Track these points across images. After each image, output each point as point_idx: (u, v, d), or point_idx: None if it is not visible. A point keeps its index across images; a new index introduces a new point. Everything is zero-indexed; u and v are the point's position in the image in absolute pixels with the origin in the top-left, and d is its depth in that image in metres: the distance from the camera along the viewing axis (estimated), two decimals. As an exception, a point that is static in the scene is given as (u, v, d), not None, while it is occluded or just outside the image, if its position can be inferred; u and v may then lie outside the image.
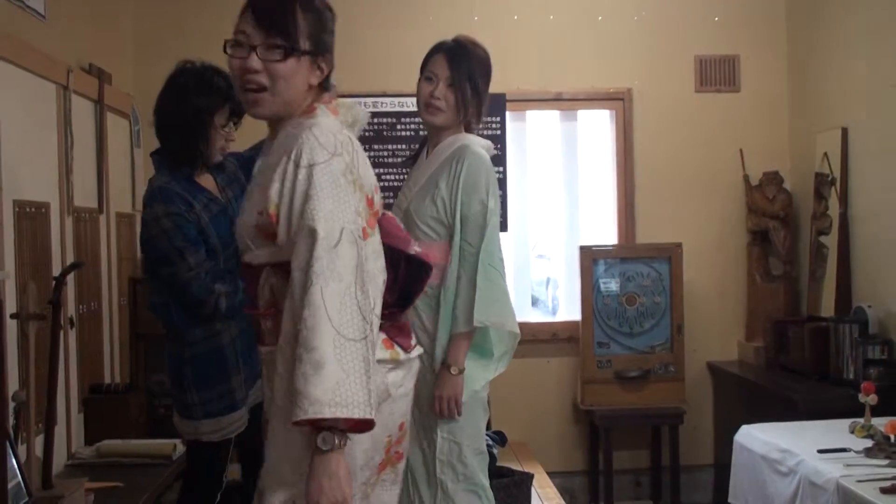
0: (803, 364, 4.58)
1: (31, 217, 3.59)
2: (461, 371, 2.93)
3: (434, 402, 3.00)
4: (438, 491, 3.13)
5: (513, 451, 4.89)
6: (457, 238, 2.96)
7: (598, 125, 5.55)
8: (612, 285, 5.15)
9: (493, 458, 3.83)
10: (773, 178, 5.25)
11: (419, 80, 3.06)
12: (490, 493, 3.21)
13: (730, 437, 4.03)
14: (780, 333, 4.89)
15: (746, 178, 5.31)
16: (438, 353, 2.96)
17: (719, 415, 5.27)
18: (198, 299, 3.14)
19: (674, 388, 5.11)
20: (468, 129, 3.09)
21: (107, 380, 4.45)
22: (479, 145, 3.04)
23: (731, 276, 5.40)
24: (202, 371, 3.26)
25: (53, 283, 3.38)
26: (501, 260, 3.00)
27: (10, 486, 2.55)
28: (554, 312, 7.01)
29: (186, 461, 3.47)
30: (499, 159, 5.14)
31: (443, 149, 3.06)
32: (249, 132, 3.20)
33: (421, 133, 4.74)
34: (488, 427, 4.49)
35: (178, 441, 4.06)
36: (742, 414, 4.25)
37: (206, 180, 3.29)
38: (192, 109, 3.13)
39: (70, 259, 3.93)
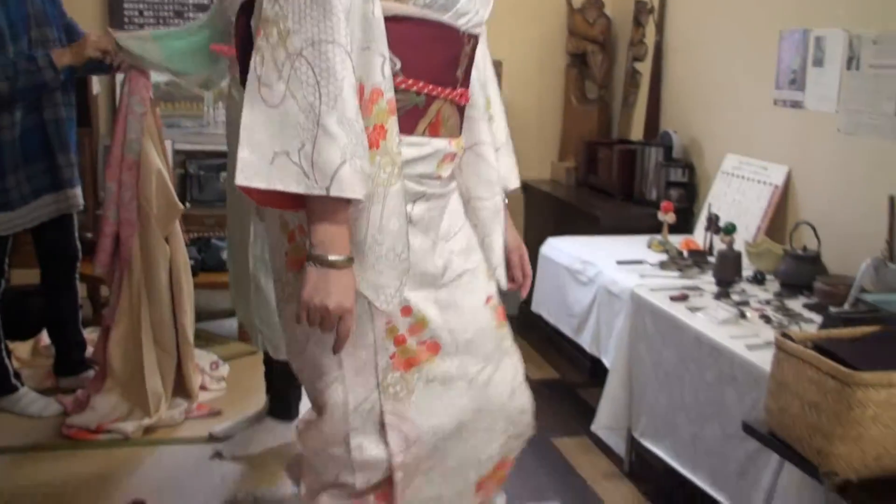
0: (610, 184, 4.77)
1: None
2: None
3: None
4: (252, 286, 3.14)
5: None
6: None
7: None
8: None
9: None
10: (594, 3, 5.28)
11: None
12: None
13: (538, 252, 4.19)
14: (590, 155, 5.04)
15: (569, 1, 5.33)
16: None
17: (529, 231, 5.43)
18: None
19: (487, 204, 5.20)
20: None
21: None
22: None
23: (548, 97, 5.49)
24: None
25: None
26: None
27: None
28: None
29: None
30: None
31: None
32: None
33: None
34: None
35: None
36: (550, 230, 4.38)
37: None
38: None
39: None
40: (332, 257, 1.65)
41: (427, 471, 1.90)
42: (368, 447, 1.84)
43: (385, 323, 1.81)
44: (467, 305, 1.94)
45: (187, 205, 5.19)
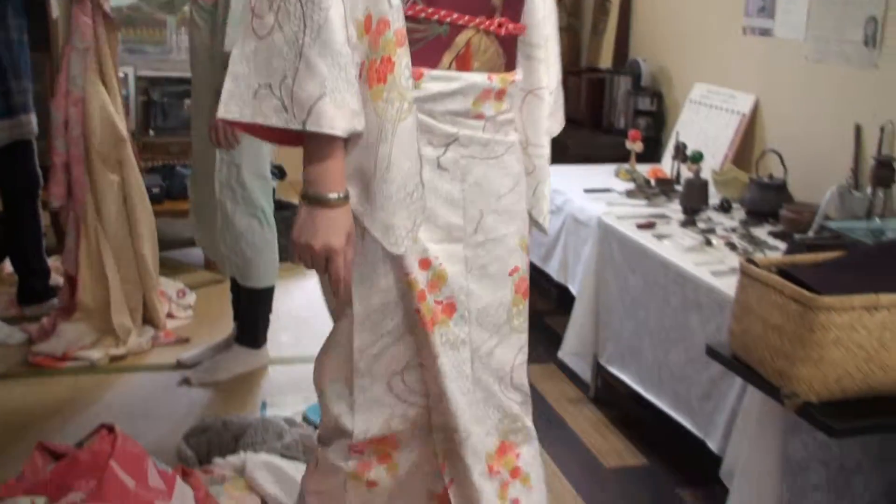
0: (579, 113, 4.75)
1: None
2: None
3: (209, 132, 2.93)
4: (218, 213, 3.12)
5: (292, 186, 4.93)
6: None
7: None
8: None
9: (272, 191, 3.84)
10: (565, -73, 5.24)
11: None
12: (271, 219, 3.23)
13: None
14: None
15: (539, -74, 5.26)
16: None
17: (496, 161, 5.44)
18: None
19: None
20: None
21: None
22: None
23: (517, 25, 5.43)
24: None
25: None
26: None
27: None
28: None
29: None
30: None
31: None
32: None
33: None
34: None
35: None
36: (517, 158, 4.38)
37: None
38: None
39: None
40: (320, 195, 1.56)
41: (461, 442, 1.79)
42: (370, 388, 1.75)
43: (405, 274, 1.68)
44: (490, 271, 1.80)
45: (151, 133, 5.13)
